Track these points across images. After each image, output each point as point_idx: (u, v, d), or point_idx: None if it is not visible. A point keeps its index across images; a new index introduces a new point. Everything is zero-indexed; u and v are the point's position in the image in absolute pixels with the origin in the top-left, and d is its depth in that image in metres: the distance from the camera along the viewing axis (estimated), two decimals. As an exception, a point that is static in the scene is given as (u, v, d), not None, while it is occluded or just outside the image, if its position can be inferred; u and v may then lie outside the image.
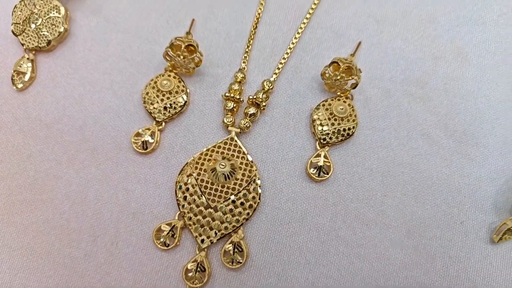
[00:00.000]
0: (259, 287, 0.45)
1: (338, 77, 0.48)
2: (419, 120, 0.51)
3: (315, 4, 0.54)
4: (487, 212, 0.48)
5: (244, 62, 0.52)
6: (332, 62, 0.48)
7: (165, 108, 0.49)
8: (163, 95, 0.50)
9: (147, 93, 0.50)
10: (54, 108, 0.51)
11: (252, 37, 0.53)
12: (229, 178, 0.46)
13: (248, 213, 0.46)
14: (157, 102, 0.50)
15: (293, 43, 0.53)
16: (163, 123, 0.49)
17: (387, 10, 0.55)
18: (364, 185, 0.48)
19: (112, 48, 0.53)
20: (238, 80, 0.50)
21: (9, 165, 0.49)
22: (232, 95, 0.49)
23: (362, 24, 0.54)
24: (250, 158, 0.48)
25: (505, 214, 0.48)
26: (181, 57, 0.48)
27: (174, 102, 0.49)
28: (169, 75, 0.50)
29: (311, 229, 0.47)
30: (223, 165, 0.46)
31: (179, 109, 0.49)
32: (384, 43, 0.53)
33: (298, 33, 0.53)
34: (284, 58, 0.52)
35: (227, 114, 0.49)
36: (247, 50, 0.52)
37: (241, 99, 0.49)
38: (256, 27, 0.54)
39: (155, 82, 0.50)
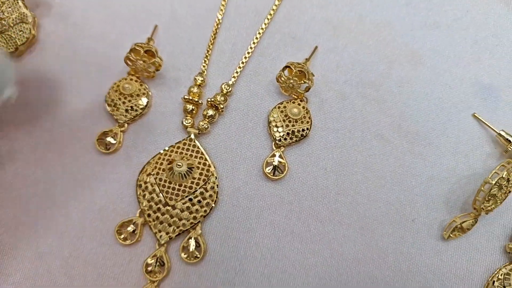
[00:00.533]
0: (217, 281, 0.47)
1: (291, 81, 0.50)
2: (374, 121, 0.52)
3: (273, 10, 0.56)
4: (439, 210, 0.50)
5: (204, 66, 0.54)
6: (286, 67, 0.50)
7: (126, 110, 0.51)
8: (125, 98, 0.52)
9: (110, 96, 0.52)
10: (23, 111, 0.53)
11: (212, 41, 0.55)
12: (186, 177, 0.48)
13: (205, 211, 0.48)
14: (120, 104, 0.52)
15: (251, 48, 0.55)
16: (126, 125, 0.51)
17: (343, 16, 0.57)
18: (319, 183, 0.50)
19: (78, 53, 0.55)
20: (198, 83, 0.52)
21: (-22, 165, 0.52)
22: (191, 97, 0.51)
23: (319, 29, 0.56)
24: (208, 158, 0.50)
25: (456, 212, 0.50)
26: (141, 61, 0.50)
27: (136, 105, 0.52)
28: (131, 79, 0.53)
29: (267, 225, 0.49)
30: (180, 165, 0.48)
31: (140, 111, 0.52)
32: (340, 47, 0.55)
33: (257, 38, 0.55)
34: (243, 62, 0.54)
35: (187, 116, 0.51)
36: (207, 54, 0.54)
37: (200, 102, 0.51)
38: (216, 32, 0.56)
39: (118, 86, 0.52)
